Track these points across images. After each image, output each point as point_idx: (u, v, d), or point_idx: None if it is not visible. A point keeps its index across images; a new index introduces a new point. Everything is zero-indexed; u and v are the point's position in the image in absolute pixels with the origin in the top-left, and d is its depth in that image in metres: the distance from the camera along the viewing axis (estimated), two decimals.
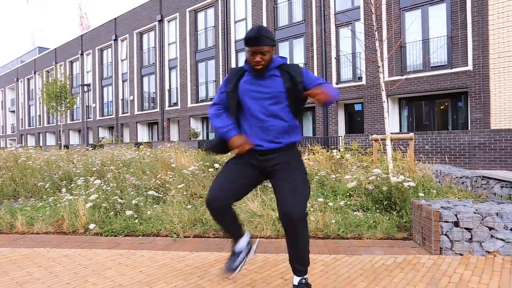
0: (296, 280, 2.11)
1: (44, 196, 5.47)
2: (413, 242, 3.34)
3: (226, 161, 2.24)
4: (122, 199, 4.39)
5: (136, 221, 3.93)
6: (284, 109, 2.09)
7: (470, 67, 11.88)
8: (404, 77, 11.73)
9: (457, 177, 6.29)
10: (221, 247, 3.21)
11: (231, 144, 2.06)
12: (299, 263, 2.11)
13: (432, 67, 13.12)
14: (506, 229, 2.92)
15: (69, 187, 5.35)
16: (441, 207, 3.09)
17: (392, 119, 14.00)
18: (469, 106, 12.17)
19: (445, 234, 2.97)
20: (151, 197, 4.80)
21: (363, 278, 2.49)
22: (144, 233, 3.73)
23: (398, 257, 2.92)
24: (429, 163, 8.71)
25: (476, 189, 5.76)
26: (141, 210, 4.21)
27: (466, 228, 2.95)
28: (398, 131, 13.97)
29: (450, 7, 12.53)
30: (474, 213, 2.96)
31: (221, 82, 17.87)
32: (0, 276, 2.62)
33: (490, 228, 2.93)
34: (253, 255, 2.34)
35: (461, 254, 2.93)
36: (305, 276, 2.11)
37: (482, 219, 2.94)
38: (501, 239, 2.91)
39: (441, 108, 13.82)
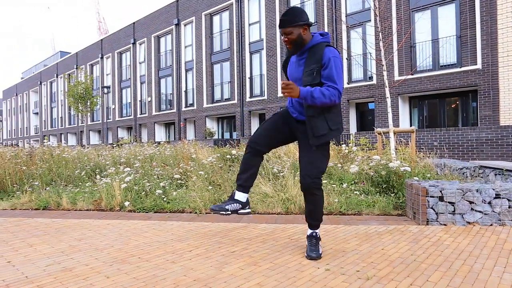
0: (308, 232, 2.59)
1: (80, 183, 6.14)
2: (406, 217, 3.80)
3: (277, 111, 2.67)
4: (149, 183, 5.00)
5: (164, 200, 4.52)
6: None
7: (479, 65, 12.11)
8: (408, 76, 12.05)
9: (458, 168, 6.66)
10: (239, 219, 3.76)
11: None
12: (311, 219, 2.57)
13: (441, 66, 13.38)
14: (484, 203, 3.36)
15: (102, 174, 6.01)
16: (429, 185, 3.56)
17: (402, 118, 14.29)
18: (478, 104, 12.38)
19: (431, 208, 3.43)
20: (175, 183, 5.40)
21: (356, 239, 2.99)
22: (171, 210, 4.32)
23: (390, 226, 3.40)
24: (437, 158, 9.05)
25: (475, 178, 6.13)
26: (167, 192, 4.80)
27: (449, 202, 3.41)
28: None
29: (459, 7, 12.78)
30: (457, 189, 3.42)
31: (236, 84, 18.64)
32: (62, 235, 3.24)
33: (471, 202, 3.38)
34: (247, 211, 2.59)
35: (445, 225, 3.39)
36: (316, 230, 2.58)
37: (464, 194, 3.39)
38: (480, 211, 3.36)
39: (452, 107, 14.04)
